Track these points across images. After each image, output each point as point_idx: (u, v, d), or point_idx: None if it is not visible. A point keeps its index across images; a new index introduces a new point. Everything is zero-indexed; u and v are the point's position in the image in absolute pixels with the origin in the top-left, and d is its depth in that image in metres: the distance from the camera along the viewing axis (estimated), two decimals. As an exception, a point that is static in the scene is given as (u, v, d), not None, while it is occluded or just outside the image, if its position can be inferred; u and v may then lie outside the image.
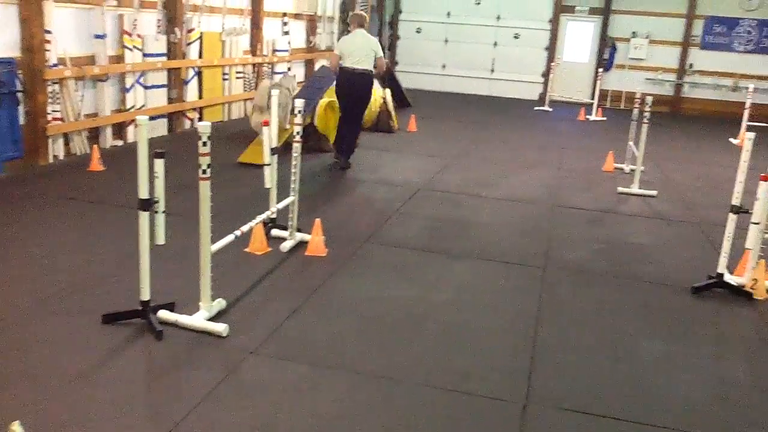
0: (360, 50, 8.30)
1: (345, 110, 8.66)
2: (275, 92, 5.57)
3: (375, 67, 8.42)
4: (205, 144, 3.90)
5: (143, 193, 3.86)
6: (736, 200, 5.19)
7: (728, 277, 5.40)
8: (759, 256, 5.30)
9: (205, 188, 4.00)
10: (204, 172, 3.96)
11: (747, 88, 13.53)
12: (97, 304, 4.30)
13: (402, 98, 14.39)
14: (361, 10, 17.53)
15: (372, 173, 8.60)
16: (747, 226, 5.22)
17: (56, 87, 7.91)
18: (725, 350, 4.42)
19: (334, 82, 8.70)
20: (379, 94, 11.88)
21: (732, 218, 5.23)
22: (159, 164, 3.78)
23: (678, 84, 17.80)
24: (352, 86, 8.35)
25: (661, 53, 17.75)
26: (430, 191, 7.89)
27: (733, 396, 3.83)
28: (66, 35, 8.09)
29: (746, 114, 11.99)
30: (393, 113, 11.90)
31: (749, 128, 10.95)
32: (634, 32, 17.77)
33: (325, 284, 4.96)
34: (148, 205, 3.88)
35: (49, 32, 7.66)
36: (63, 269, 4.88)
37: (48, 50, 7.67)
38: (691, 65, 17.65)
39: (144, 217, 3.92)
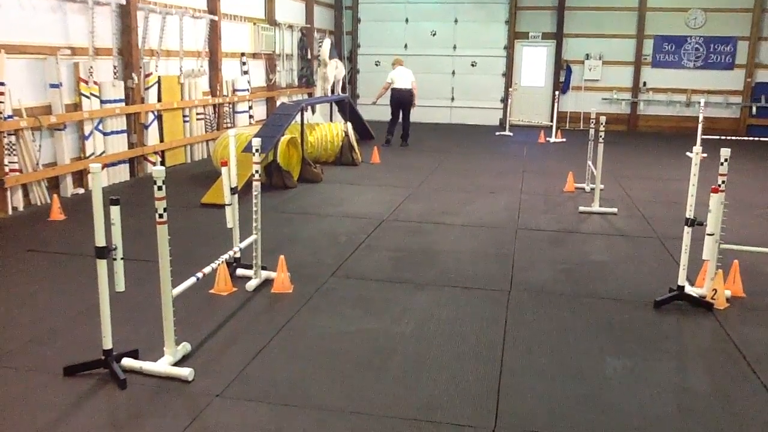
0: (404, 78, 13.99)
1: (396, 113, 14.17)
2: (232, 133, 5.59)
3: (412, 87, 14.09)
4: (160, 188, 3.90)
5: (100, 241, 3.83)
6: (689, 213, 5.32)
7: (689, 289, 5.50)
8: (717, 267, 5.42)
9: (163, 232, 3.99)
10: (161, 216, 3.96)
11: (699, 102, 13.91)
12: (58, 356, 4.24)
13: (364, 131, 14.51)
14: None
15: (336, 207, 8.63)
16: (704, 238, 5.34)
17: (12, 138, 7.84)
18: (688, 362, 4.49)
19: (390, 98, 14.24)
20: (340, 128, 12.00)
21: (687, 231, 5.35)
22: (115, 211, 3.76)
23: (633, 102, 18.25)
24: (402, 99, 13.98)
25: (614, 73, 18.23)
26: (394, 222, 7.94)
27: (697, 407, 3.88)
28: (20, 86, 8.04)
29: (700, 128, 12.30)
30: (356, 146, 11.99)
31: (703, 142, 11.26)
32: (587, 54, 18.24)
33: (290, 322, 4.94)
34: (105, 252, 3.86)
35: (2, 84, 7.62)
36: (22, 323, 4.80)
37: (2, 102, 7.62)
38: (644, 83, 18.13)
39: (102, 264, 3.89)
